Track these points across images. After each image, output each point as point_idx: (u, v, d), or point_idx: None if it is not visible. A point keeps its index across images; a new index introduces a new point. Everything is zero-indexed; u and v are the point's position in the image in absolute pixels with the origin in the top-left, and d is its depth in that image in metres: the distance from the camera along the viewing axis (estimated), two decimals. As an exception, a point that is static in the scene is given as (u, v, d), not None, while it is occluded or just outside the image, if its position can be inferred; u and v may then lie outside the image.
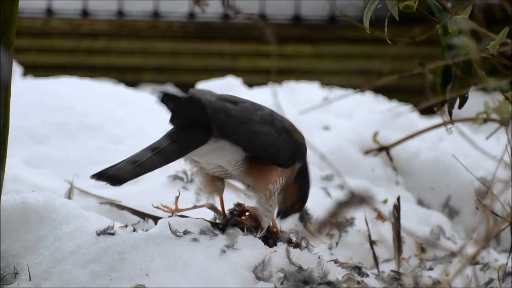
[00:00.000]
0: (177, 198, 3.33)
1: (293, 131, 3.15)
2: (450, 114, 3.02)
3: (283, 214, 3.31)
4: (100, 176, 2.93)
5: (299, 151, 3.18)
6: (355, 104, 5.22)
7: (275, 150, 3.09)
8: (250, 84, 5.98)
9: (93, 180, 2.94)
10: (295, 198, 3.29)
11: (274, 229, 3.20)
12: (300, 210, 3.38)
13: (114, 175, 2.92)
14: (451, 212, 4.47)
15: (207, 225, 3.08)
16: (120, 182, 2.93)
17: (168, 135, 3.01)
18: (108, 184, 2.94)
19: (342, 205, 2.27)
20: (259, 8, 7.10)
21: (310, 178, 3.30)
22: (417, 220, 4.05)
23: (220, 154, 3.05)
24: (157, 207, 3.31)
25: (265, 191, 3.10)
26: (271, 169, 3.10)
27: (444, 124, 3.24)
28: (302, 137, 3.18)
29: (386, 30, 3.03)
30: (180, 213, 3.31)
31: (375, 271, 3.47)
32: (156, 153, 2.96)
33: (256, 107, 3.12)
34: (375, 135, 4.55)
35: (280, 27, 7.06)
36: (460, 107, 3.05)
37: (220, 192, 3.20)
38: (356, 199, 2.24)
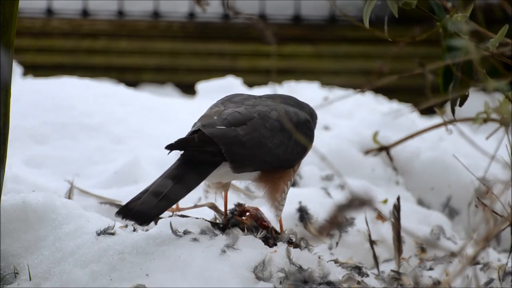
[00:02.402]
0: (178, 197, 3.33)
1: (302, 126, 3.16)
2: (453, 112, 3.02)
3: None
4: (126, 214, 2.90)
5: (310, 138, 3.19)
6: (355, 104, 5.22)
7: (288, 155, 3.11)
8: (250, 84, 5.98)
9: (118, 217, 2.91)
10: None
11: (278, 226, 3.21)
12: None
13: (140, 213, 2.89)
14: (451, 212, 4.48)
15: (207, 225, 3.08)
16: (148, 221, 2.92)
17: (184, 162, 3.00)
18: (136, 224, 2.94)
19: (342, 208, 2.27)
20: (259, 8, 7.10)
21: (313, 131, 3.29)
22: (417, 220, 4.05)
23: (235, 175, 3.07)
24: (158, 207, 3.31)
25: (280, 191, 3.12)
26: (284, 174, 3.13)
27: (444, 124, 3.24)
28: (311, 131, 3.18)
29: (386, 27, 3.03)
30: (180, 212, 3.31)
31: (375, 271, 3.47)
32: (177, 182, 2.95)
33: (264, 113, 3.10)
34: (375, 135, 4.55)
35: (280, 27, 7.06)
36: (460, 105, 3.05)
37: (226, 188, 3.21)
38: (357, 201, 2.24)
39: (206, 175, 3.00)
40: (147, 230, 3.18)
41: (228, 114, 3.07)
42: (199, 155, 2.99)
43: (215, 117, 3.06)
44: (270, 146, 3.07)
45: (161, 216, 3.46)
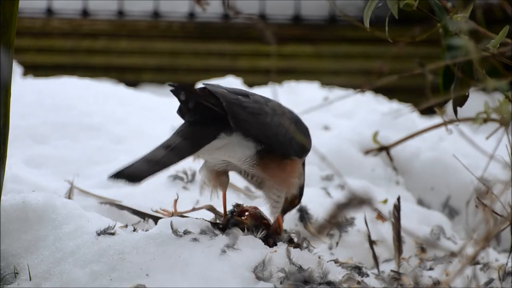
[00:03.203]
0: (175, 201, 3.34)
1: (300, 124, 3.17)
2: (456, 112, 3.02)
3: (282, 210, 3.30)
4: (118, 175, 2.90)
5: (308, 144, 3.19)
6: (355, 104, 5.23)
7: (288, 141, 3.10)
8: (250, 84, 5.98)
9: (110, 180, 2.91)
10: (295, 194, 3.29)
11: (278, 226, 3.20)
12: (296, 206, 3.37)
13: (132, 174, 2.90)
14: (451, 212, 4.48)
15: (207, 225, 3.08)
16: (139, 180, 2.91)
17: (179, 132, 3.02)
18: (127, 183, 2.92)
19: (342, 207, 2.27)
20: (259, 8, 7.10)
21: (305, 174, 3.31)
22: (417, 220, 4.05)
23: (230, 149, 3.05)
24: (156, 211, 3.32)
25: (289, 185, 3.11)
26: (291, 162, 3.11)
27: (444, 124, 3.25)
28: (307, 131, 3.19)
29: (386, 28, 3.03)
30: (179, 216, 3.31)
31: (375, 271, 3.47)
32: (170, 151, 2.95)
33: (265, 99, 3.13)
34: (375, 135, 4.56)
35: (280, 27, 7.06)
36: (460, 105, 3.05)
37: (224, 186, 3.20)
38: (356, 201, 2.24)
39: (201, 147, 2.99)
40: (147, 230, 3.19)
41: (231, 88, 3.11)
42: (197, 107, 2.99)
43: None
44: (269, 121, 3.07)
45: (161, 216, 3.47)
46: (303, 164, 3.27)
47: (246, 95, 3.10)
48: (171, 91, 3.00)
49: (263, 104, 3.09)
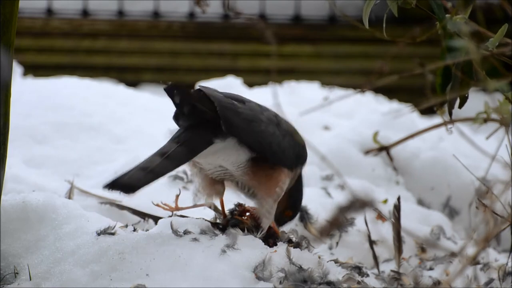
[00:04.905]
0: (177, 196, 3.33)
1: (296, 135, 3.15)
2: (450, 114, 3.02)
3: (276, 221, 3.29)
4: (113, 185, 2.89)
5: (302, 155, 3.18)
6: (356, 104, 5.22)
7: (281, 151, 3.08)
8: (250, 84, 5.98)
9: (106, 190, 2.91)
10: (286, 205, 3.28)
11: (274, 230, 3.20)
12: (292, 218, 3.35)
13: (127, 184, 2.90)
14: (451, 212, 4.47)
15: (208, 225, 3.08)
16: (134, 190, 2.91)
17: (174, 139, 3.00)
18: (122, 193, 2.93)
19: (343, 210, 2.27)
20: (259, 8, 7.10)
21: (303, 186, 3.29)
22: (417, 220, 4.05)
23: (225, 155, 3.04)
24: (157, 205, 3.31)
25: (272, 194, 3.10)
26: (278, 171, 3.10)
27: (444, 124, 3.25)
28: (303, 142, 3.18)
29: (384, 26, 3.02)
30: (180, 212, 3.31)
31: (375, 271, 3.47)
32: (165, 158, 2.95)
33: (261, 108, 3.11)
34: (375, 135, 4.55)
35: (280, 27, 7.06)
36: (460, 106, 3.05)
37: (220, 195, 3.19)
38: (358, 203, 2.24)
39: (196, 153, 2.98)
40: (147, 230, 3.18)
41: (226, 93, 3.09)
42: (191, 111, 2.98)
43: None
44: (263, 129, 3.05)
45: (161, 216, 3.47)
46: (300, 176, 3.25)
47: (242, 101, 3.08)
48: (165, 89, 2.98)
49: (258, 112, 3.07)
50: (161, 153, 2.95)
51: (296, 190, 3.27)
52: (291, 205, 3.28)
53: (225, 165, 3.07)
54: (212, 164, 3.09)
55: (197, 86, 3.10)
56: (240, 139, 3.01)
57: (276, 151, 3.07)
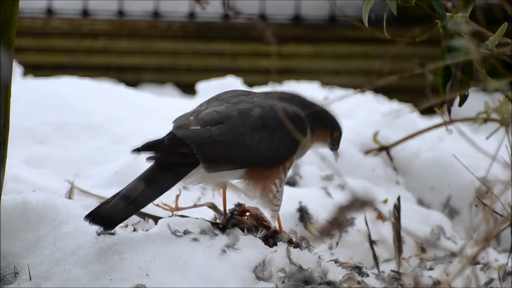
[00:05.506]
0: (177, 196, 3.33)
1: (289, 112, 3.12)
2: (449, 112, 3.01)
3: (332, 147, 3.29)
4: (93, 218, 2.93)
5: (304, 123, 3.15)
6: (356, 104, 5.22)
7: (272, 152, 3.08)
8: (250, 84, 5.98)
9: (86, 221, 2.94)
10: (328, 132, 3.27)
11: (277, 227, 3.20)
12: (341, 135, 3.36)
13: (106, 217, 2.92)
14: (451, 212, 4.47)
15: (208, 225, 3.08)
16: (113, 226, 2.96)
17: (159, 164, 3.00)
18: (101, 228, 2.95)
19: (343, 210, 2.27)
20: (259, 8, 7.10)
21: (333, 114, 3.27)
22: (417, 220, 4.05)
23: (215, 175, 3.06)
24: (158, 205, 3.31)
25: (268, 195, 3.10)
26: (270, 172, 3.10)
27: (444, 124, 3.25)
28: (304, 123, 3.16)
29: (384, 24, 3.02)
30: (180, 212, 3.31)
31: (375, 271, 3.47)
32: (149, 185, 2.95)
33: (244, 113, 3.06)
34: (376, 135, 4.55)
35: (280, 27, 7.06)
36: (460, 105, 3.05)
37: (224, 185, 3.20)
38: (358, 203, 2.24)
39: (181, 178, 2.99)
40: (147, 230, 3.18)
41: (206, 114, 3.05)
42: (170, 157, 2.99)
43: (192, 118, 3.05)
44: (249, 144, 3.04)
45: (161, 216, 3.47)
46: (325, 112, 3.24)
47: (220, 120, 3.02)
48: (133, 153, 2.98)
49: (240, 125, 3.03)
50: (144, 179, 2.96)
51: (320, 116, 3.24)
52: (331, 126, 3.28)
53: (220, 182, 3.10)
54: (211, 183, 3.11)
55: (173, 122, 3.09)
56: (226, 168, 3.02)
57: (268, 155, 3.07)
